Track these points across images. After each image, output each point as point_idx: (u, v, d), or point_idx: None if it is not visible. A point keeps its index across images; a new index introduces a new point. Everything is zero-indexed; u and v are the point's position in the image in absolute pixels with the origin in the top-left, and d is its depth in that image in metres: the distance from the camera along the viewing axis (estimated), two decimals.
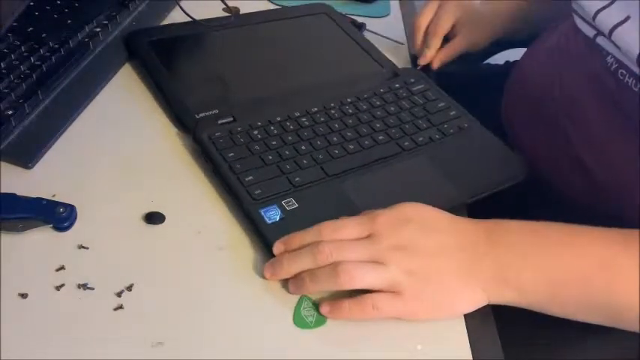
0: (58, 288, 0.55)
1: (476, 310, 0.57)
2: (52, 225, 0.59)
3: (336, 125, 0.73)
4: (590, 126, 0.71)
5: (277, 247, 0.58)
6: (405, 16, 1.01)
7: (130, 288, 0.55)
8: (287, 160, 0.68)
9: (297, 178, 0.66)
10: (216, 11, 0.88)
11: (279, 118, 0.73)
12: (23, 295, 0.54)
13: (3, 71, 0.70)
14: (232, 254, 0.60)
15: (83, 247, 0.58)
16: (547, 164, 0.76)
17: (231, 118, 0.72)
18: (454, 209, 0.63)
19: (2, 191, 0.61)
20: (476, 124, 0.77)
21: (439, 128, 0.76)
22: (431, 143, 0.73)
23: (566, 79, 0.76)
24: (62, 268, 0.56)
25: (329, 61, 0.88)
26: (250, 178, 0.65)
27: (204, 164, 0.69)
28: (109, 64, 0.80)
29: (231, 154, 0.67)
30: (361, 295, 0.55)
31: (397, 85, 0.81)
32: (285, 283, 0.57)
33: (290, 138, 0.71)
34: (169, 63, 0.80)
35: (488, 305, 0.57)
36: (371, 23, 0.98)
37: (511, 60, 0.99)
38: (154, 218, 0.62)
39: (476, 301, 0.56)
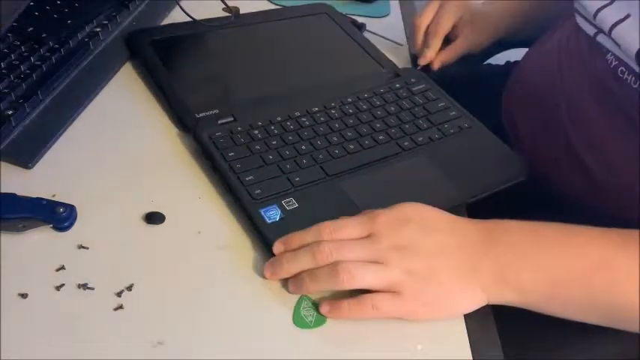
0: (58, 288, 0.55)
1: (476, 310, 0.57)
2: (52, 225, 0.59)
3: (337, 125, 0.73)
4: (590, 126, 0.71)
5: (277, 247, 0.58)
6: (405, 16, 1.01)
7: (130, 288, 0.55)
8: (287, 159, 0.68)
9: (297, 178, 0.66)
10: (216, 11, 0.88)
11: (279, 118, 0.73)
12: (23, 295, 0.54)
13: (3, 71, 0.70)
14: (232, 254, 0.60)
15: (83, 247, 0.58)
16: (547, 164, 0.76)
17: (232, 118, 0.72)
18: (454, 209, 0.63)
19: (2, 191, 0.61)
20: (476, 124, 0.77)
21: (439, 128, 0.76)
22: (431, 143, 0.74)
23: (567, 79, 0.76)
24: (62, 268, 0.56)
25: (329, 61, 0.88)
26: (250, 177, 0.65)
27: (204, 164, 0.69)
28: (109, 64, 0.80)
29: (232, 154, 0.67)
30: (361, 295, 0.55)
31: (397, 85, 0.81)
32: (285, 282, 0.57)
33: (290, 138, 0.71)
34: (170, 63, 0.80)
35: (488, 305, 0.57)
36: (371, 23, 0.98)
37: (512, 60, 0.99)
38: (154, 218, 0.62)
39: (476, 301, 0.56)
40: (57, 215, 0.59)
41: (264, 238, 0.60)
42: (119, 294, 0.55)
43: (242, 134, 0.70)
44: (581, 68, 0.73)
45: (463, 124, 0.77)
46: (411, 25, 0.94)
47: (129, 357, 0.51)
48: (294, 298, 0.57)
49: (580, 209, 0.72)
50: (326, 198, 0.65)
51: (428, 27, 0.91)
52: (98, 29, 0.81)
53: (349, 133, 0.73)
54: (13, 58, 0.73)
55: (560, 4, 0.84)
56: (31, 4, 0.80)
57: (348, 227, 0.58)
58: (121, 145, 0.70)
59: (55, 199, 0.61)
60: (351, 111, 0.76)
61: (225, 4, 0.85)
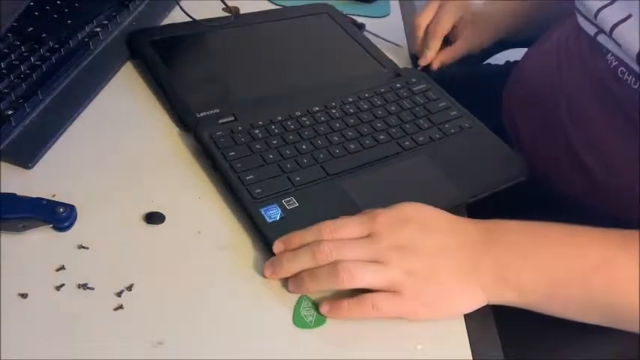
0: (58, 288, 0.55)
1: (476, 310, 0.57)
2: (52, 225, 0.59)
3: (337, 124, 0.73)
4: (590, 126, 0.71)
5: (277, 246, 0.58)
6: (405, 16, 1.01)
7: (130, 288, 0.55)
8: (288, 159, 0.68)
9: (297, 178, 0.66)
10: (216, 11, 0.88)
11: (280, 118, 0.73)
12: (23, 295, 0.54)
13: (3, 71, 0.70)
14: (232, 254, 0.60)
15: (83, 247, 0.58)
16: (547, 164, 0.76)
17: (233, 118, 0.72)
18: (454, 209, 0.63)
19: (2, 191, 0.61)
20: (477, 124, 0.77)
21: (440, 128, 0.76)
22: (431, 143, 0.74)
23: (567, 79, 0.76)
24: (62, 268, 0.56)
25: (330, 61, 0.88)
26: (251, 177, 0.65)
27: (204, 163, 0.69)
28: (109, 64, 0.80)
29: (232, 153, 0.67)
30: (361, 295, 0.55)
31: (398, 85, 0.81)
32: (285, 282, 0.57)
33: (291, 137, 0.71)
34: (170, 62, 0.80)
35: (488, 305, 0.57)
36: (371, 23, 0.98)
37: (511, 60, 0.99)
38: (154, 218, 0.62)
39: (476, 301, 0.56)
40: (57, 215, 0.59)
41: (264, 238, 0.60)
42: (119, 294, 0.55)
43: (243, 134, 0.70)
44: (581, 68, 0.73)
45: (464, 124, 0.77)
46: (410, 25, 0.94)
47: (129, 357, 0.51)
48: (294, 297, 0.57)
49: (580, 209, 0.72)
50: (326, 197, 0.65)
51: (427, 27, 0.90)
52: (98, 29, 0.81)
53: (350, 133, 0.73)
54: (13, 58, 0.73)
55: (561, 3, 0.84)
56: (31, 4, 0.80)
57: (349, 227, 0.58)
58: (121, 145, 0.70)
59: (55, 199, 0.61)
60: (351, 110, 0.76)
61: (225, 4, 0.85)
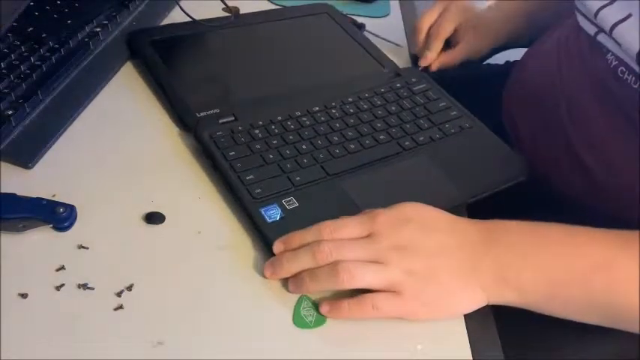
0: (58, 288, 0.55)
1: (476, 310, 0.57)
2: (52, 225, 0.59)
3: (337, 125, 0.73)
4: (590, 126, 0.71)
5: (277, 246, 0.58)
6: (405, 16, 1.01)
7: (130, 288, 0.55)
8: (288, 159, 0.68)
9: (297, 178, 0.66)
10: (216, 11, 0.88)
11: (280, 118, 0.73)
12: (23, 295, 0.54)
13: (3, 71, 0.70)
14: (232, 254, 0.60)
15: (83, 247, 0.58)
16: (547, 164, 0.76)
17: (233, 117, 0.72)
18: (454, 209, 0.63)
19: (2, 191, 0.61)
20: (477, 124, 0.77)
21: (440, 128, 0.76)
22: (432, 143, 0.73)
23: (567, 79, 0.75)
24: (62, 268, 0.56)
25: (330, 61, 0.88)
26: (251, 177, 0.65)
27: (204, 163, 0.69)
28: (109, 64, 0.80)
29: (232, 153, 0.67)
30: (361, 295, 0.55)
31: (398, 85, 0.81)
32: (285, 282, 0.57)
33: (291, 137, 0.71)
34: (171, 62, 0.80)
35: (488, 305, 0.57)
36: (371, 23, 0.98)
37: (511, 60, 0.99)
38: (154, 218, 0.62)
39: (476, 301, 0.56)
40: (57, 215, 0.59)
41: (264, 238, 0.60)
42: (119, 294, 0.55)
43: (243, 133, 0.70)
44: (581, 68, 0.73)
45: (464, 124, 0.77)
46: (411, 25, 0.94)
47: (129, 357, 0.51)
48: (294, 298, 0.57)
49: (580, 209, 0.72)
50: (326, 197, 0.65)
51: (429, 29, 0.91)
52: (98, 29, 0.81)
53: (350, 133, 0.73)
54: (13, 58, 0.73)
55: (561, 4, 0.84)
56: (31, 4, 0.80)
57: (349, 227, 0.58)
58: (121, 145, 0.70)
59: (55, 199, 0.61)
60: (351, 110, 0.76)
61: (225, 4, 0.85)
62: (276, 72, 0.84)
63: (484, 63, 0.98)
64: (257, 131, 0.70)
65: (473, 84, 0.91)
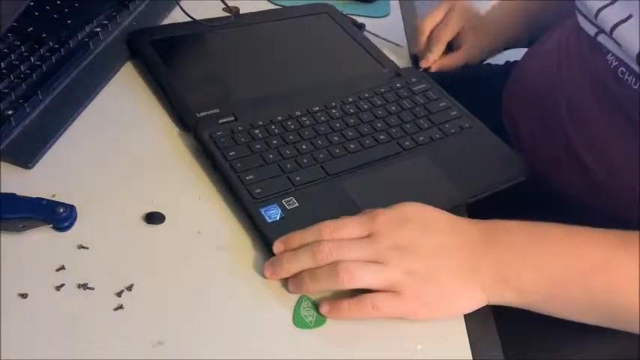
0: (58, 288, 0.55)
1: (476, 310, 0.57)
2: (52, 225, 0.59)
3: (337, 124, 0.73)
4: (590, 126, 0.71)
5: (277, 246, 0.58)
6: (405, 16, 1.01)
7: (130, 288, 0.55)
8: (288, 159, 0.68)
9: (297, 178, 0.66)
10: (216, 11, 0.88)
11: (280, 118, 0.73)
12: (23, 295, 0.54)
13: (3, 71, 0.70)
14: (232, 254, 0.60)
15: (83, 247, 0.58)
16: (547, 164, 0.76)
17: (233, 117, 0.72)
18: (454, 209, 0.63)
19: (2, 191, 0.61)
20: (477, 124, 0.77)
21: (440, 128, 0.76)
22: (432, 143, 0.73)
23: (567, 79, 0.75)
24: (62, 268, 0.56)
25: (330, 61, 0.88)
26: (251, 177, 0.65)
27: (204, 163, 0.69)
28: (109, 64, 0.80)
29: (232, 153, 0.67)
30: (361, 295, 0.55)
31: (398, 85, 0.81)
32: (285, 282, 0.57)
33: (291, 137, 0.71)
34: (171, 62, 0.80)
35: (488, 305, 0.57)
36: (371, 23, 0.98)
37: (511, 60, 0.99)
38: (154, 218, 0.62)
39: (476, 301, 0.56)
40: (57, 215, 0.59)
41: (264, 238, 0.60)
42: (119, 294, 0.55)
43: (243, 133, 0.70)
44: (582, 68, 0.73)
45: (464, 124, 0.77)
46: (411, 25, 0.94)
47: (129, 357, 0.51)
48: (294, 298, 0.57)
49: (580, 209, 0.72)
50: (326, 197, 0.65)
51: (432, 31, 0.91)
52: (98, 29, 0.81)
53: (350, 133, 0.73)
54: (13, 58, 0.73)
55: (563, 4, 0.84)
56: (31, 4, 0.80)
57: (349, 227, 0.58)
58: (121, 145, 0.70)
59: (55, 199, 0.61)
60: (352, 110, 0.76)
61: (225, 4, 0.85)
62: (276, 72, 0.84)
63: (484, 63, 0.98)
64: (257, 131, 0.70)
65: (473, 84, 0.91)
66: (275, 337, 0.54)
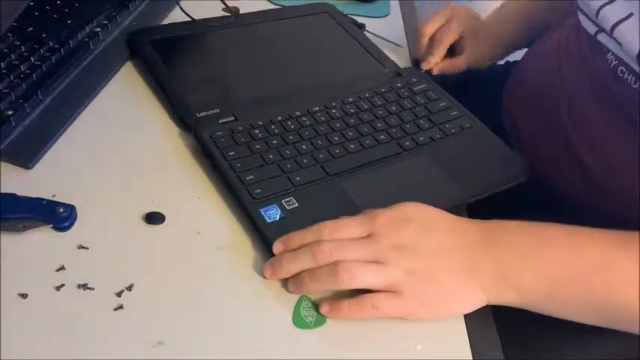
0: (58, 288, 0.55)
1: (476, 310, 0.57)
2: (52, 225, 0.59)
3: (338, 124, 0.73)
4: (590, 126, 0.71)
5: (277, 247, 0.58)
6: (405, 16, 1.01)
7: (130, 288, 0.55)
8: (288, 159, 0.68)
9: (297, 178, 0.66)
10: (216, 11, 0.88)
11: (280, 118, 0.73)
12: (23, 295, 0.54)
13: (3, 71, 0.70)
14: (232, 254, 0.60)
15: (83, 247, 0.58)
16: (547, 164, 0.76)
17: (233, 117, 0.72)
18: (454, 209, 0.63)
19: (2, 191, 0.61)
20: (477, 124, 0.77)
21: (440, 128, 0.75)
22: (432, 143, 0.73)
23: (567, 79, 0.75)
24: (62, 268, 0.56)
25: (330, 61, 0.88)
26: (251, 177, 0.65)
27: (204, 163, 0.69)
28: (109, 64, 0.80)
29: (232, 153, 0.67)
30: (361, 295, 0.55)
31: (399, 85, 0.81)
32: (285, 282, 0.57)
33: (291, 137, 0.71)
34: (171, 62, 0.80)
35: (488, 305, 0.57)
36: (371, 23, 0.98)
37: (511, 60, 0.99)
38: (154, 218, 0.62)
39: (476, 301, 0.56)
40: (57, 215, 0.59)
41: (264, 238, 0.60)
42: (119, 294, 0.55)
43: (243, 133, 0.70)
44: (582, 68, 0.73)
45: (464, 124, 0.77)
46: (412, 25, 0.94)
47: (129, 357, 0.51)
48: (294, 298, 0.57)
49: (580, 209, 0.72)
50: (326, 198, 0.65)
51: (434, 34, 0.91)
52: (98, 29, 0.81)
53: (350, 133, 0.73)
54: (13, 58, 0.73)
55: (564, 4, 0.84)
56: (31, 4, 0.80)
57: (349, 227, 0.58)
58: (121, 145, 0.70)
59: (55, 199, 0.61)
60: (352, 110, 0.76)
61: (225, 4, 0.85)
62: (276, 72, 0.84)
63: None
64: (257, 131, 0.70)
65: (473, 84, 0.91)
66: (275, 337, 0.54)
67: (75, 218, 0.60)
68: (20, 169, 0.65)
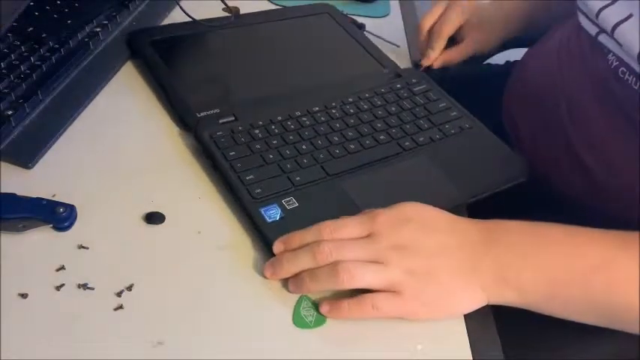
0: (58, 288, 0.55)
1: (476, 310, 0.57)
2: (52, 225, 0.59)
3: (338, 125, 0.73)
4: (590, 126, 0.71)
5: (277, 247, 0.58)
6: (405, 16, 1.01)
7: (130, 288, 0.55)
8: (288, 159, 0.68)
9: (297, 178, 0.66)
10: (216, 11, 0.88)
11: (280, 118, 0.73)
12: (23, 295, 0.54)
13: (3, 71, 0.70)
14: (232, 254, 0.60)
15: (83, 247, 0.58)
16: (547, 164, 0.76)
17: (233, 117, 0.72)
18: (454, 209, 0.63)
19: (2, 191, 0.61)
20: (477, 125, 0.77)
21: (440, 128, 0.75)
22: (432, 143, 0.73)
23: (567, 79, 0.75)
24: (62, 268, 0.56)
25: (330, 61, 0.88)
26: (251, 177, 0.65)
27: (204, 163, 0.69)
28: (109, 64, 0.80)
29: (232, 153, 0.67)
30: (361, 295, 0.55)
31: (399, 85, 0.81)
32: (285, 282, 0.57)
33: (291, 137, 0.71)
34: (171, 62, 0.80)
35: (488, 305, 0.57)
36: (371, 23, 0.98)
37: (511, 60, 0.99)
38: (154, 218, 0.62)
39: (476, 301, 0.56)
40: (57, 215, 0.59)
41: (264, 238, 0.60)
42: (119, 294, 0.55)
43: (243, 133, 0.70)
44: (582, 68, 0.73)
45: (464, 125, 0.77)
46: (412, 25, 0.94)
47: (129, 357, 0.51)
48: (294, 298, 0.57)
49: (580, 209, 0.72)
50: (326, 197, 0.65)
51: (432, 28, 0.90)
52: (98, 29, 0.81)
53: (350, 133, 0.73)
54: (13, 58, 0.73)
55: (564, 3, 0.84)
56: (31, 4, 0.80)
57: (349, 227, 0.58)
58: (121, 145, 0.70)
59: (55, 199, 0.61)
60: (352, 111, 0.76)
61: (225, 4, 0.86)
62: (276, 72, 0.84)
63: (484, 63, 0.98)
64: (257, 131, 0.70)
65: (473, 84, 0.91)
66: (275, 337, 0.54)
67: (75, 218, 0.60)
68: (20, 169, 0.65)
